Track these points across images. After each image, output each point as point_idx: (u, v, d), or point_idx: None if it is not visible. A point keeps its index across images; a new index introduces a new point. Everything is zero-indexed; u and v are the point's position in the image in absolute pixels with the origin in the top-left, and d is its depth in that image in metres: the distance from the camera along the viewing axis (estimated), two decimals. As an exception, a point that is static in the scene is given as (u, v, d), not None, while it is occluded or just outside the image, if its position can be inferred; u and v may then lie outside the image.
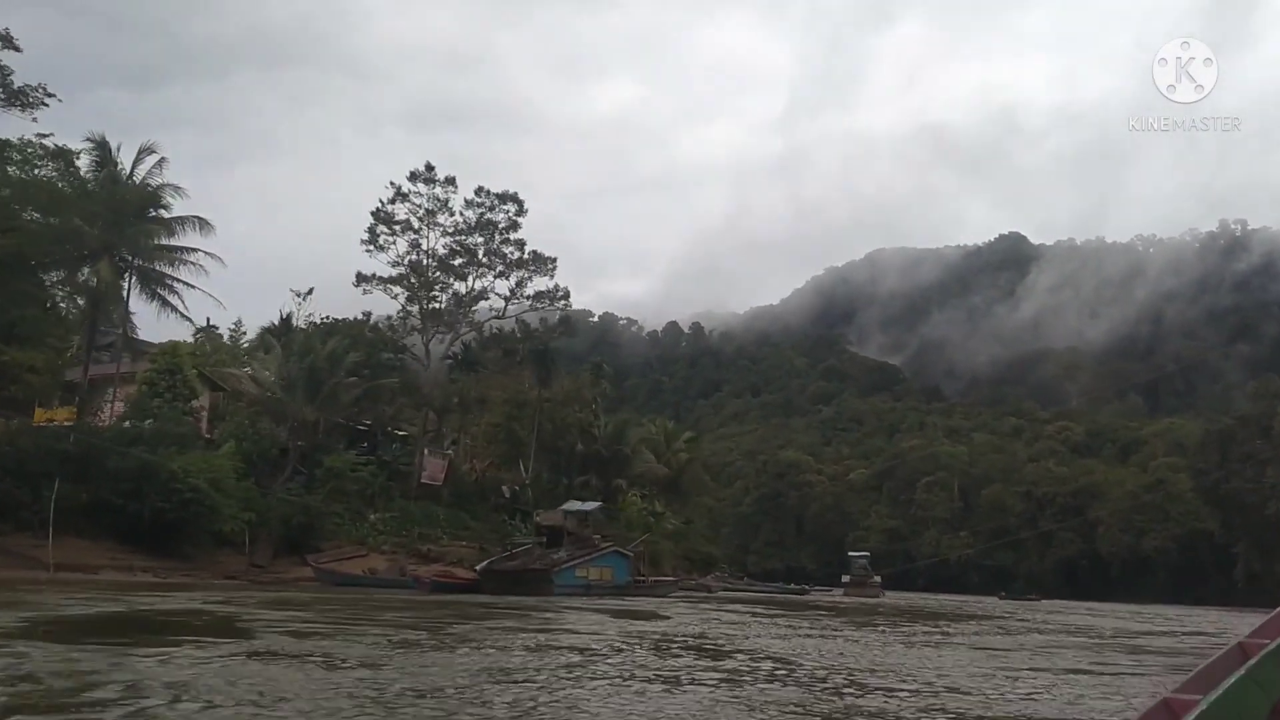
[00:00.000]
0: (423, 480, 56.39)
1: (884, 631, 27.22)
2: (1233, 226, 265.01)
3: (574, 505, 49.43)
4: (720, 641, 20.25)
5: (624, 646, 17.57)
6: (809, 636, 23.27)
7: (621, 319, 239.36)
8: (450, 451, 60.78)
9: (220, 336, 74.47)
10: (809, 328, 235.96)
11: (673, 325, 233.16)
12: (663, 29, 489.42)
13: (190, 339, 69.11)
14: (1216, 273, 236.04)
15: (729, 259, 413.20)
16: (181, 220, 45.88)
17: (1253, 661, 2.68)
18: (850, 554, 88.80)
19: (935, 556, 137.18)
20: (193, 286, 45.98)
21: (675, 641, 19.50)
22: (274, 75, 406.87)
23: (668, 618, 28.43)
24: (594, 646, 16.99)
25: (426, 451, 57.74)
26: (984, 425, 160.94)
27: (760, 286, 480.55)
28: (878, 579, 79.42)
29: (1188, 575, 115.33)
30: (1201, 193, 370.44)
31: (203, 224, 46.06)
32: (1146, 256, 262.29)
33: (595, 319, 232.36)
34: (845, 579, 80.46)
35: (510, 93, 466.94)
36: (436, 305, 63.00)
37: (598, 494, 68.38)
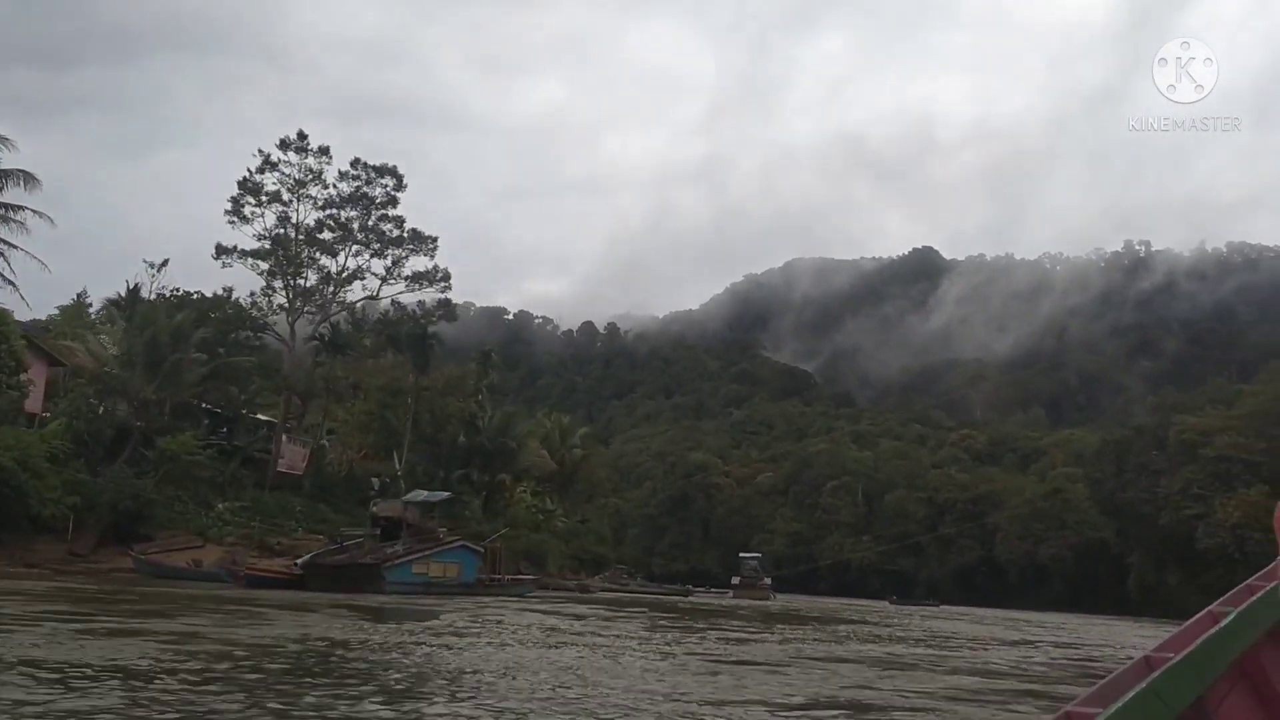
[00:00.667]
0: (280, 469, 51.78)
1: (683, 639, 23.46)
2: (1137, 247, 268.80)
3: (419, 495, 45.06)
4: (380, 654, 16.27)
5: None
6: (578, 643, 19.59)
7: (537, 317, 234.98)
8: (312, 440, 56.09)
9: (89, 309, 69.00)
10: (725, 332, 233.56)
11: (588, 325, 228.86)
12: (591, 30, 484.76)
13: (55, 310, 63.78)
14: (1120, 290, 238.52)
15: (650, 263, 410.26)
16: (4, 174, 40.95)
17: (1155, 675, 2.63)
18: (741, 555, 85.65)
19: (835, 559, 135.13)
20: (14, 246, 41.04)
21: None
22: (191, 61, 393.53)
23: (437, 618, 24.62)
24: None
25: (286, 438, 53.08)
26: (890, 432, 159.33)
27: (680, 291, 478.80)
28: (768, 581, 76.22)
29: (1083, 584, 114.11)
30: (1108, 213, 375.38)
31: (28, 179, 41.18)
32: (1053, 274, 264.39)
33: (510, 316, 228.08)
34: (735, 581, 77.13)
35: (435, 88, 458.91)
36: (304, 283, 58.21)
37: (480, 488, 64.29)
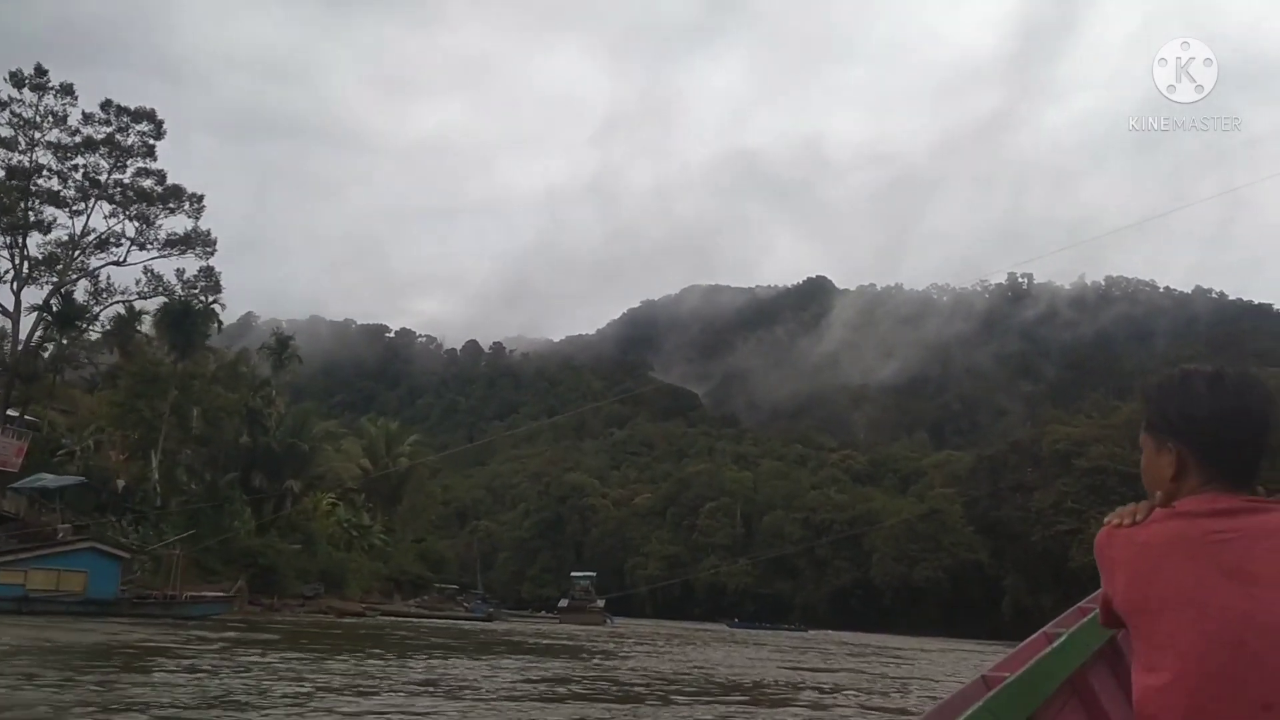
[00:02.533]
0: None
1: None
2: (1020, 279, 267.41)
3: (43, 479, 34.58)
4: None
5: None
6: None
7: (421, 336, 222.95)
8: (28, 431, 45.06)
9: None
10: (617, 355, 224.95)
11: (472, 344, 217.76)
12: (491, 55, 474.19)
13: None
14: (1004, 319, 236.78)
15: (545, 286, 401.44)
16: None
17: (991, 694, 2.69)
18: (573, 574, 75.85)
19: (711, 582, 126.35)
20: None
21: None
22: (79, 73, 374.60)
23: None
24: None
25: (-9, 426, 42.25)
26: (771, 452, 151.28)
27: (577, 316, 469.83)
28: (600, 603, 66.49)
29: (958, 607, 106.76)
30: (993, 245, 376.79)
31: None
32: (939, 303, 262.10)
33: (392, 334, 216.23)
34: (562, 603, 67.23)
35: (332, 108, 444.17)
36: (33, 243, 47.38)
37: (269, 496, 53.72)
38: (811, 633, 78.10)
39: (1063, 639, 3.13)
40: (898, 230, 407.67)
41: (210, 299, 51.58)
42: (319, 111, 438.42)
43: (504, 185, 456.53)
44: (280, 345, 61.17)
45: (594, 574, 77.95)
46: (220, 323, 54.36)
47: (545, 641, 34.25)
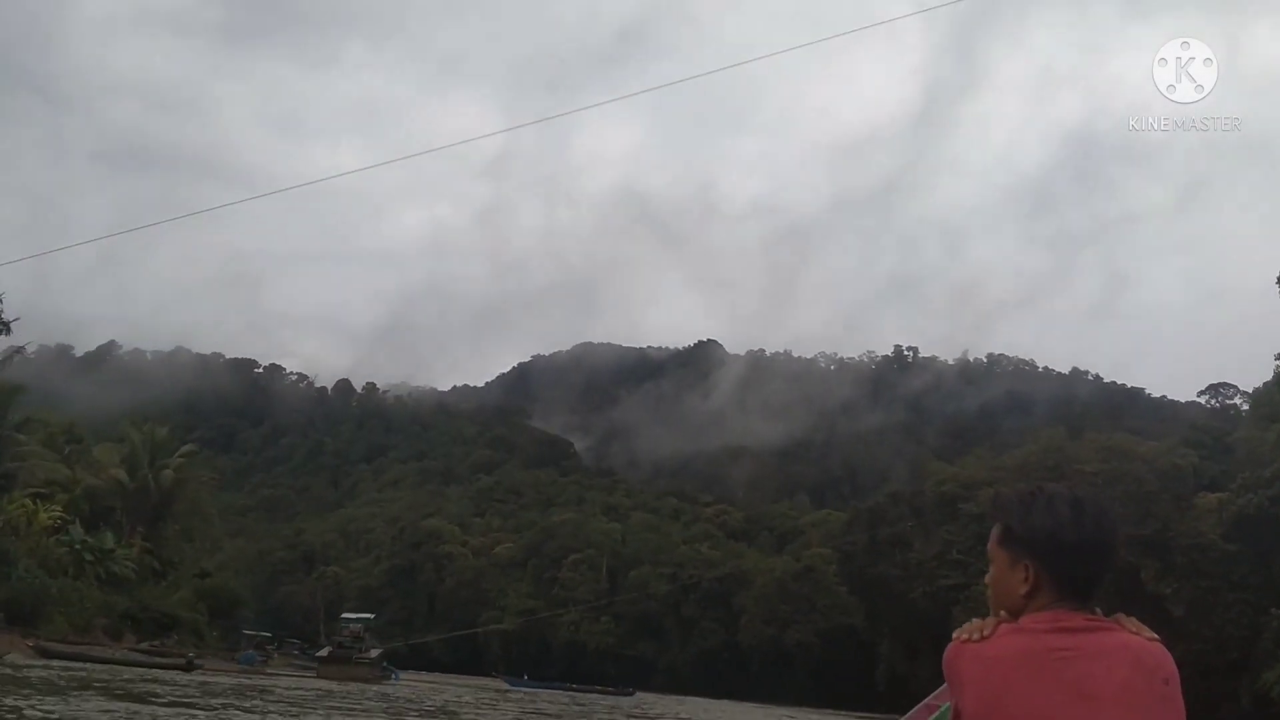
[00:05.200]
0: None
1: None
2: (906, 353, 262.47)
3: None
4: None
5: None
6: None
7: (291, 374, 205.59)
8: None
9: None
10: (500, 403, 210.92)
11: (344, 384, 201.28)
12: (386, 100, 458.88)
13: None
14: (889, 389, 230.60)
15: (434, 335, 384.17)
16: None
17: None
18: (344, 616, 61.25)
19: (570, 640, 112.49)
20: None
21: None
22: None
23: None
24: None
25: None
26: (644, 504, 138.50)
27: (465, 370, 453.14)
28: (375, 653, 52.27)
29: (830, 673, 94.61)
30: (880, 317, 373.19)
31: None
32: (828, 371, 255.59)
33: (260, 369, 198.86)
34: (322, 652, 52.73)
35: (219, 142, 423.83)
36: None
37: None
38: (640, 696, 64.90)
39: None
40: (786, 292, 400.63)
41: None
42: (206, 145, 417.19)
43: (392, 230, 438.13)
44: None
45: (370, 616, 63.65)
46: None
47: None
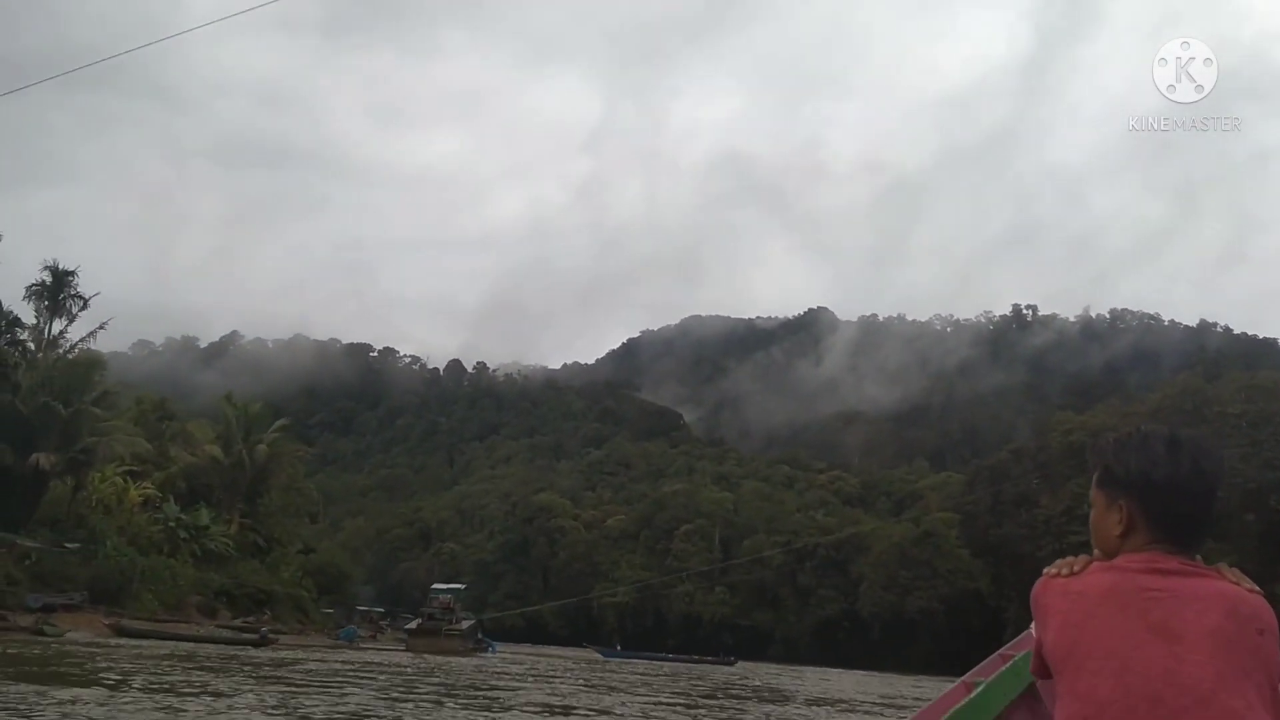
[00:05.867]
0: None
1: None
2: (1024, 312, 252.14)
3: None
4: None
5: None
6: None
7: (404, 356, 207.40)
8: None
9: None
10: (611, 377, 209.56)
11: (455, 364, 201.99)
12: (486, 85, 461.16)
13: None
14: (1009, 349, 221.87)
15: (543, 313, 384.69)
16: None
17: None
18: (434, 587, 59.06)
19: (686, 611, 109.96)
20: None
21: None
22: (70, 96, 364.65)
23: None
24: None
25: None
26: (755, 473, 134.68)
27: (575, 348, 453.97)
28: (467, 624, 49.99)
29: (955, 640, 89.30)
30: (997, 276, 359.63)
31: None
32: (944, 333, 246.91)
33: (375, 353, 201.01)
34: (411, 625, 50.66)
35: (329, 136, 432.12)
36: None
37: (2, 472, 38.00)
38: (740, 665, 61.75)
39: (981, 688, 2.95)
40: (897, 253, 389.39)
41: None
42: (313, 138, 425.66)
43: (497, 212, 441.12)
44: (57, 281, 44.96)
45: (462, 586, 61.63)
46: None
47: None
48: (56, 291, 44.45)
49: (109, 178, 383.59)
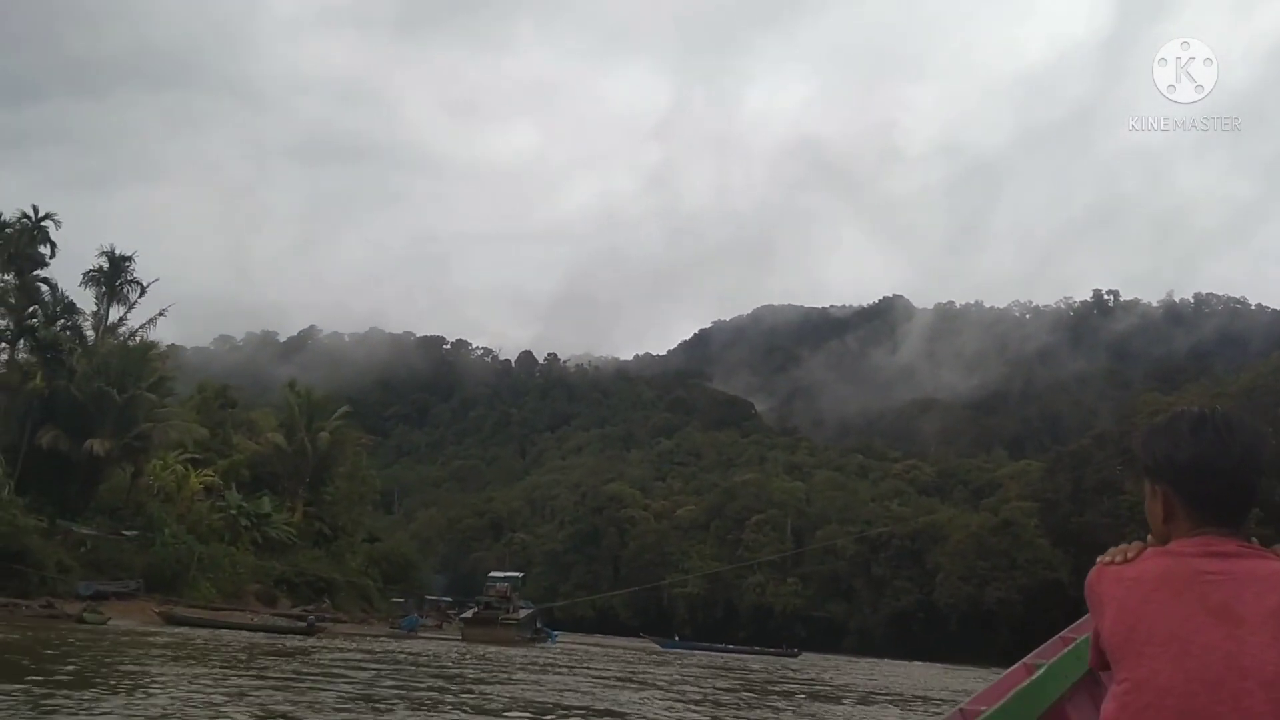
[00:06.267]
0: None
1: None
2: (1106, 297, 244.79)
3: None
4: None
5: None
6: None
7: (476, 348, 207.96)
8: None
9: None
10: (682, 367, 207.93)
11: (527, 355, 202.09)
12: (557, 77, 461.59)
13: None
14: (1091, 334, 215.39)
15: (614, 305, 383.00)
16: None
17: None
18: (491, 575, 57.82)
19: (756, 602, 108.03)
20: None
21: None
22: (158, 97, 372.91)
23: None
24: None
25: None
26: (828, 462, 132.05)
27: (647, 339, 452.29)
28: (525, 612, 48.75)
29: (1035, 632, 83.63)
30: (1076, 263, 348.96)
31: None
32: (1022, 320, 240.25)
33: (448, 345, 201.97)
34: (467, 614, 49.48)
35: (404, 132, 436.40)
36: None
37: (58, 458, 37.84)
38: (806, 657, 60.01)
39: (1042, 671, 2.96)
40: (974, 238, 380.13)
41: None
42: (388, 134, 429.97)
43: (569, 203, 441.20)
44: (114, 267, 44.61)
45: (519, 575, 59.81)
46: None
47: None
48: (114, 277, 44.27)
49: (192, 176, 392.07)
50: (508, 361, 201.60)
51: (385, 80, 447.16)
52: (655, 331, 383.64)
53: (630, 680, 22.33)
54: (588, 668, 26.95)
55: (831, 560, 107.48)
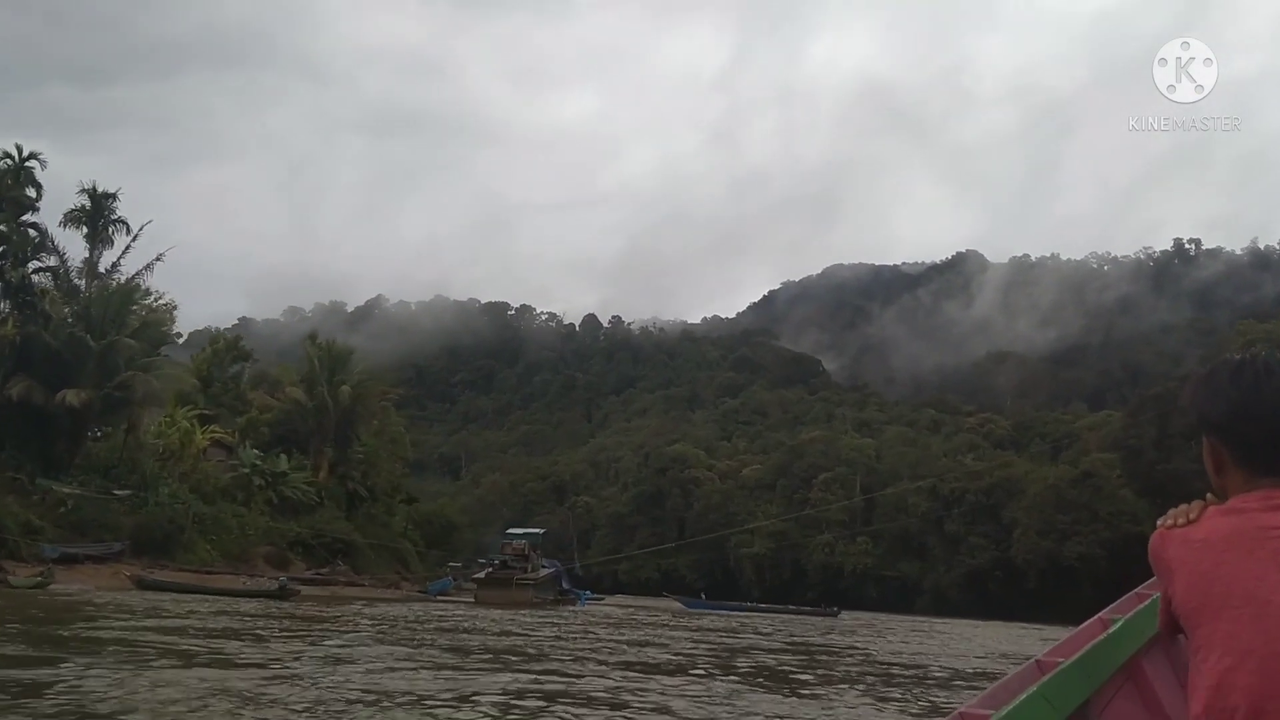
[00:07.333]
0: None
1: None
2: (1187, 246, 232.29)
3: None
4: None
5: None
6: None
7: (541, 314, 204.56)
8: None
9: None
10: (751, 328, 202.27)
11: (591, 319, 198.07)
12: (619, 42, 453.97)
13: None
14: (1173, 283, 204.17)
15: (681, 268, 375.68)
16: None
17: (1046, 678, 2.58)
18: (509, 531, 53.35)
19: (826, 562, 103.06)
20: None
21: None
22: (226, 76, 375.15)
23: None
24: None
25: None
26: (899, 418, 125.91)
27: (716, 302, 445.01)
28: (546, 571, 44.49)
29: (1119, 588, 75.56)
30: (1157, 210, 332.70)
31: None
32: (1101, 271, 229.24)
33: (513, 311, 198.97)
34: (479, 574, 45.28)
35: (466, 100, 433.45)
36: None
37: (32, 410, 34.45)
38: (845, 615, 55.56)
39: (1119, 625, 2.94)
40: (1049, 184, 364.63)
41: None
42: (451, 103, 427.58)
43: (632, 166, 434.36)
44: (96, 206, 40.64)
45: (539, 532, 55.30)
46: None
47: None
48: (96, 218, 40.54)
49: (260, 153, 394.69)
50: (572, 326, 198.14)
51: (447, 50, 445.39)
52: (723, 294, 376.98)
53: (621, 656, 17.89)
54: (580, 635, 22.63)
55: (903, 518, 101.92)
